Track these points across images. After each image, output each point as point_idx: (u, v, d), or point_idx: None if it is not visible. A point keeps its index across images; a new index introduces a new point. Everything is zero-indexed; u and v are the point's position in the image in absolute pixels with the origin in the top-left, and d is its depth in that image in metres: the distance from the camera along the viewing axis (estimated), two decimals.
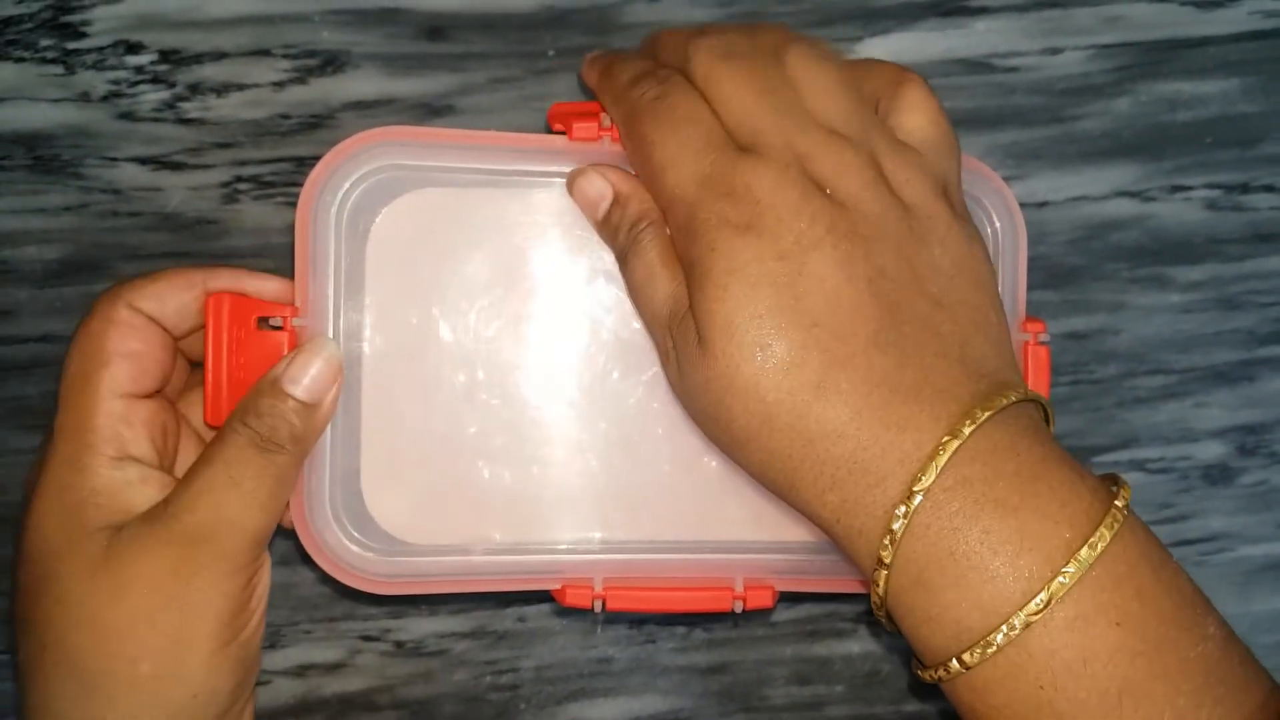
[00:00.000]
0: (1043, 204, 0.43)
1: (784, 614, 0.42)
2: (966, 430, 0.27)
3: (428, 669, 0.42)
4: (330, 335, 0.33)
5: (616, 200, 0.32)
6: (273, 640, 0.41)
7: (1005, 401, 0.28)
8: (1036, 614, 0.26)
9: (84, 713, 0.29)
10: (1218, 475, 0.44)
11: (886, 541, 0.27)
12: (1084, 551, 0.26)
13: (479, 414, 0.35)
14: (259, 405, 0.31)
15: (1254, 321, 0.44)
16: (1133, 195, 0.43)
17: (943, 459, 0.27)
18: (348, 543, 0.33)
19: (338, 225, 0.33)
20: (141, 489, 0.31)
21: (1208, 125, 0.43)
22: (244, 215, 0.41)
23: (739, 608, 0.34)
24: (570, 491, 0.35)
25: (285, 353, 0.32)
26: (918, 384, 0.28)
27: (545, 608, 0.42)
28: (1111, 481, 0.28)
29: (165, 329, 0.32)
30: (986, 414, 0.27)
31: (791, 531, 0.35)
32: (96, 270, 0.41)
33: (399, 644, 0.42)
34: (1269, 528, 0.44)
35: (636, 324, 0.35)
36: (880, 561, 0.27)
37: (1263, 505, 0.44)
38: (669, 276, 0.31)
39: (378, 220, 0.34)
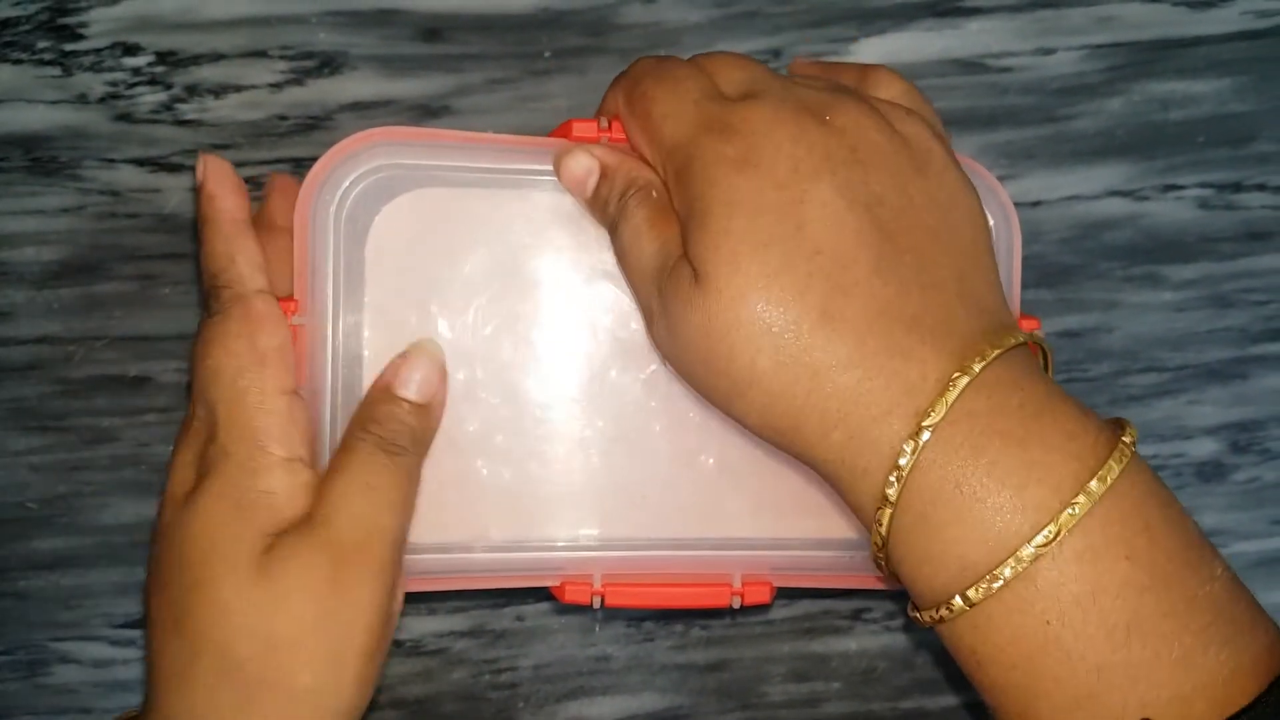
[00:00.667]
0: (1036, 203, 0.43)
1: (781, 611, 0.43)
2: (977, 367, 0.26)
3: (426, 668, 0.42)
4: (344, 334, 0.33)
5: (604, 174, 0.32)
6: None
7: (1014, 341, 0.27)
8: (1044, 546, 0.25)
9: None
10: (1211, 472, 0.44)
11: (893, 478, 0.27)
12: (1093, 484, 0.26)
13: (478, 412, 0.35)
14: (376, 413, 0.31)
15: (1246, 319, 0.44)
16: (1125, 194, 0.43)
17: (952, 395, 0.26)
18: None
19: (336, 224, 0.33)
20: (308, 490, 0.30)
21: (1200, 124, 0.43)
22: None
23: (737, 603, 0.34)
24: (569, 489, 0.35)
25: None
26: (918, 315, 0.27)
27: (544, 606, 0.42)
28: (1116, 423, 0.28)
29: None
30: (996, 351, 0.27)
31: (789, 528, 0.35)
32: (94, 272, 0.41)
33: (398, 643, 0.42)
34: (1262, 524, 0.44)
35: (634, 323, 0.35)
36: (885, 499, 0.27)
37: (1256, 502, 0.44)
38: (656, 234, 0.30)
39: (376, 219, 0.34)
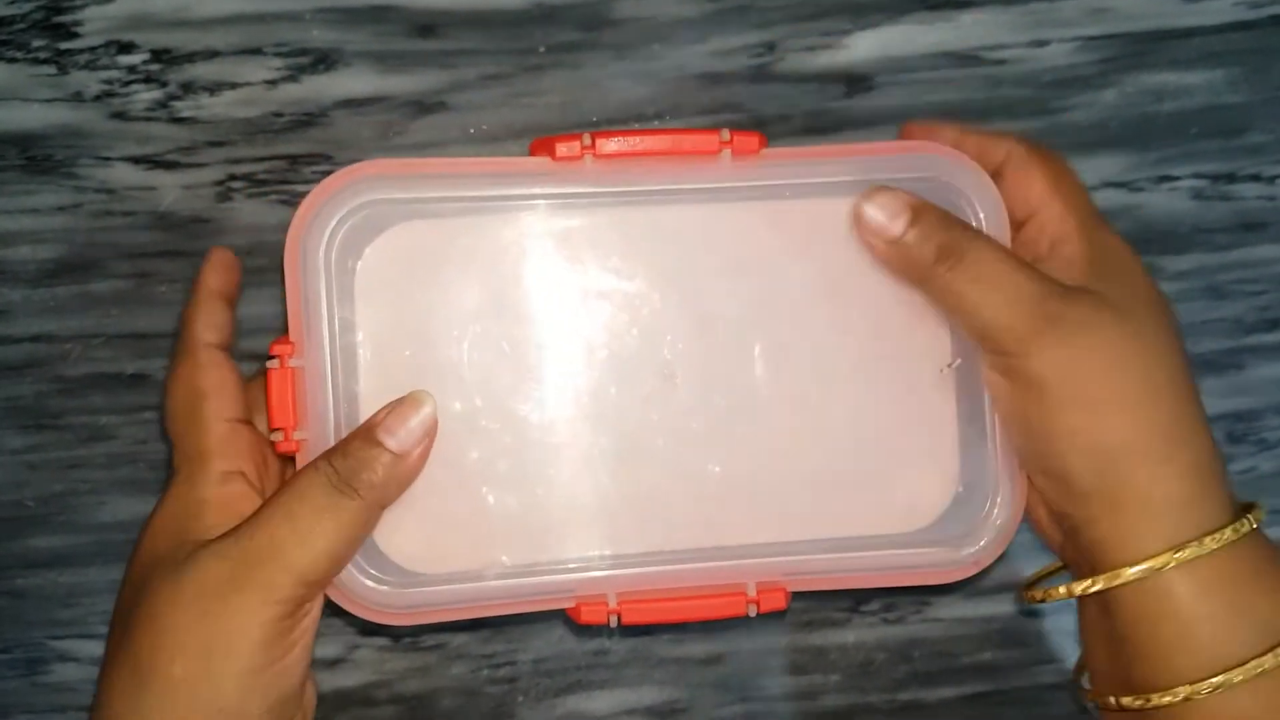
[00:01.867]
0: None
1: None
2: (1244, 528, 0.31)
3: (425, 663, 0.42)
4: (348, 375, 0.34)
5: (916, 215, 0.33)
6: None
7: (1263, 514, 0.32)
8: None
9: (133, 707, 0.30)
10: None
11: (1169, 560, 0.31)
12: None
13: (480, 440, 0.35)
14: (348, 447, 0.31)
15: (1241, 310, 0.44)
16: (1120, 186, 0.43)
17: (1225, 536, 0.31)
18: (361, 577, 0.33)
19: (326, 263, 0.33)
20: (243, 504, 0.32)
21: (1194, 116, 0.43)
22: (237, 213, 0.41)
23: (753, 611, 0.34)
24: (576, 510, 0.35)
25: (286, 388, 0.32)
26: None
27: None
28: None
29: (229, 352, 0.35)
30: (1263, 514, 0.32)
31: (799, 532, 0.35)
32: (90, 270, 0.41)
33: (396, 639, 0.42)
34: None
35: (630, 339, 0.35)
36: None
37: (1254, 492, 0.44)
38: (1025, 265, 0.32)
39: (365, 255, 0.34)
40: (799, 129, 0.42)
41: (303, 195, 0.41)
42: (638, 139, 0.34)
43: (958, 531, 0.35)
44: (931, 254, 0.32)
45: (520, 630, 0.42)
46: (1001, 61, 0.43)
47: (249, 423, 0.34)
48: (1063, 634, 0.43)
